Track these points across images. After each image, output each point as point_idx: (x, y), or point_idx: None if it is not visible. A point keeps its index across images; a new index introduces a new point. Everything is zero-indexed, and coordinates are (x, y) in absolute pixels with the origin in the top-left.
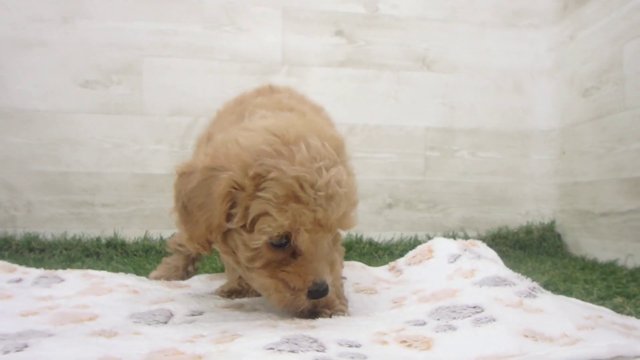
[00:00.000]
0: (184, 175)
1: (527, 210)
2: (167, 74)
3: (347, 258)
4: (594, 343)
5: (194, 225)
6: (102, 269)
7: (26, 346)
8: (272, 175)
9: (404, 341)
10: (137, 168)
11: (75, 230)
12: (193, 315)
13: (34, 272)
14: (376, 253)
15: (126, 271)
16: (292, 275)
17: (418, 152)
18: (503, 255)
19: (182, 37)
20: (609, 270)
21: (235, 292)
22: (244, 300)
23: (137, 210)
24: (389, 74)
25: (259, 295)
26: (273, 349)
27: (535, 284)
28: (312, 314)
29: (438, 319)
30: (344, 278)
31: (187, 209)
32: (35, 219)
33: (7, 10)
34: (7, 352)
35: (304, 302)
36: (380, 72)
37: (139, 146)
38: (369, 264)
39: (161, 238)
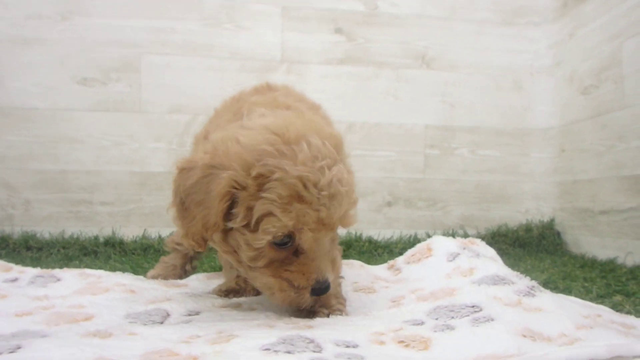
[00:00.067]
0: (183, 171)
1: (527, 208)
2: (166, 72)
3: (346, 256)
4: (592, 343)
5: (191, 221)
6: (100, 267)
7: (19, 347)
8: (275, 175)
9: (402, 341)
10: (135, 166)
11: (73, 228)
12: (190, 315)
13: (30, 272)
14: (375, 251)
15: (124, 270)
16: (296, 274)
17: (417, 150)
18: (503, 253)
19: (181, 35)
20: (609, 268)
21: (233, 291)
22: (242, 299)
23: (135, 208)
24: (389, 72)
25: (256, 294)
26: (269, 349)
27: (534, 283)
28: (310, 313)
29: (436, 319)
30: (342, 277)
31: (184, 205)
32: (33, 217)
33: (5, 7)
34: (0, 353)
35: (307, 300)
36: (380, 70)
37: (137, 144)
38: (369, 262)
39: (160, 237)
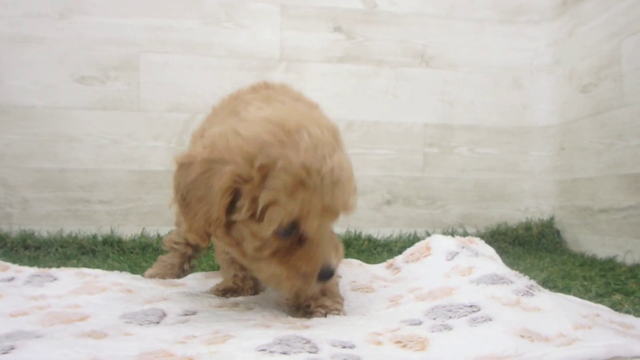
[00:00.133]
0: (183, 166)
1: (526, 206)
2: (164, 70)
3: (345, 255)
4: (590, 343)
5: (193, 217)
6: (98, 266)
7: (13, 348)
8: (279, 164)
9: (399, 341)
10: (134, 164)
11: (72, 227)
12: (186, 315)
13: (27, 271)
14: (375, 250)
15: (122, 269)
16: (301, 262)
17: (417, 148)
18: (502, 251)
19: (180, 33)
20: (608, 267)
21: (230, 290)
22: (239, 299)
23: (134, 207)
24: (388, 70)
25: (254, 294)
26: (265, 350)
27: (532, 282)
28: (308, 313)
29: (434, 318)
30: (339, 276)
31: (186, 200)
32: (31, 216)
33: (3, 5)
34: None
35: (314, 287)
36: (379, 68)
37: (136, 142)
38: (368, 260)
39: (158, 235)
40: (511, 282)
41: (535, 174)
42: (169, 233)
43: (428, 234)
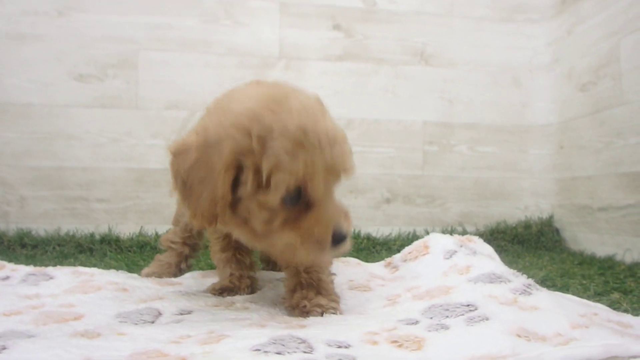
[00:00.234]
0: (178, 154)
1: (526, 205)
2: (163, 68)
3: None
4: (587, 343)
5: (197, 200)
6: (95, 265)
7: (4, 348)
8: (275, 130)
9: (395, 341)
10: (133, 163)
11: (69, 226)
12: (182, 314)
13: (23, 270)
14: (374, 248)
15: (119, 268)
16: (312, 227)
17: (416, 146)
18: (501, 250)
19: (178, 31)
20: (607, 265)
21: (227, 289)
22: (236, 298)
23: (132, 205)
24: (387, 69)
25: (250, 292)
26: (259, 350)
27: (530, 281)
28: (304, 312)
29: (431, 318)
30: (334, 274)
31: (187, 185)
32: (28, 214)
33: (1, 3)
34: None
35: (329, 253)
36: (378, 66)
37: (134, 140)
38: (367, 259)
39: (156, 234)
40: (509, 281)
41: (534, 172)
42: (167, 232)
43: (427, 233)
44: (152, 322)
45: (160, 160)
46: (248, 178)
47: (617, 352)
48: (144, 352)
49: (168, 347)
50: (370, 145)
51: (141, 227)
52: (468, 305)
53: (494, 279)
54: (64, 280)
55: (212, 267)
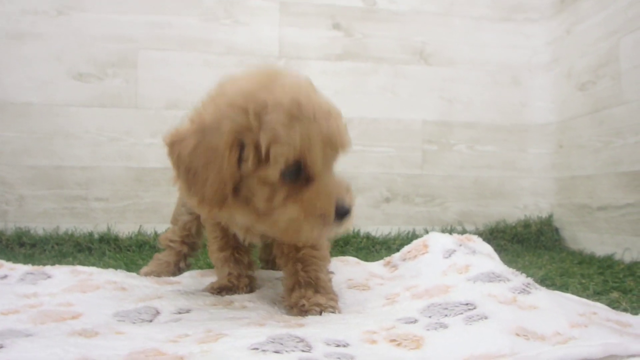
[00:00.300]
0: (176, 143)
1: (525, 204)
2: (163, 67)
3: (343, 253)
4: (586, 342)
5: (204, 184)
6: (94, 264)
7: (2, 347)
8: (270, 105)
9: (394, 340)
10: (132, 162)
11: (68, 225)
12: (180, 313)
13: (21, 269)
14: (373, 247)
15: (118, 267)
16: (315, 200)
17: (416, 145)
18: (501, 249)
19: (178, 30)
20: (606, 265)
21: (226, 288)
22: (234, 297)
23: (131, 204)
24: (387, 68)
25: (249, 292)
26: (257, 349)
27: (529, 280)
28: (303, 311)
29: (430, 317)
30: (332, 273)
31: (191, 171)
32: (27, 213)
33: (1, 2)
34: None
35: (333, 225)
36: (378, 65)
37: (134, 139)
38: (366, 258)
39: (155, 233)
40: (508, 280)
41: (533, 171)
42: (166, 231)
43: (427, 232)
44: (151, 321)
45: (159, 159)
46: (249, 154)
47: (616, 351)
48: (142, 351)
49: (166, 346)
50: (369, 145)
51: (140, 226)
52: (467, 304)
53: (493, 278)
54: (62, 279)
55: (210, 266)
